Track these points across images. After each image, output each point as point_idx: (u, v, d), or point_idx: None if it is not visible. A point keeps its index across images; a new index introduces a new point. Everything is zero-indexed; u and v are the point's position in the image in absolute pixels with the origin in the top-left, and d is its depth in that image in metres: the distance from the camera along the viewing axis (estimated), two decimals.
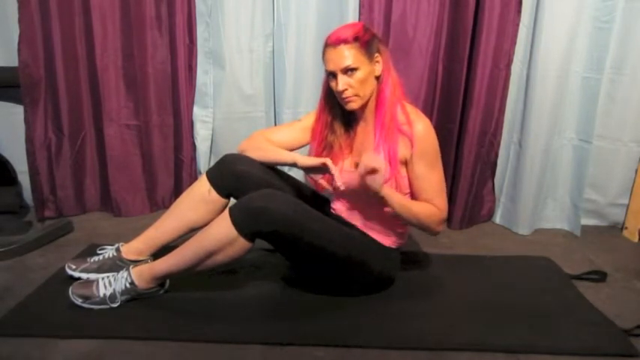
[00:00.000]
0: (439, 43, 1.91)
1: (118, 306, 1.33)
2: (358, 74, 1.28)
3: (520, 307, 1.42)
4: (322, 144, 1.42)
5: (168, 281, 1.40)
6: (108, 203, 2.07)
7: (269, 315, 1.34)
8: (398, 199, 1.28)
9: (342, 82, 1.28)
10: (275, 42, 1.95)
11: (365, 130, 1.39)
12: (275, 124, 2.04)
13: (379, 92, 1.33)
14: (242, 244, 1.24)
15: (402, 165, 1.34)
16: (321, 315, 1.34)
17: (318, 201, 1.53)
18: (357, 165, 1.31)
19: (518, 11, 1.84)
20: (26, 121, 1.88)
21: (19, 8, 1.78)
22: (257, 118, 2.03)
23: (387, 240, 1.43)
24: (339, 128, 1.42)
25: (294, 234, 1.24)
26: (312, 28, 1.92)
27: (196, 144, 2.04)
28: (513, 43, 1.87)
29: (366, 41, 1.28)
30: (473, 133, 1.93)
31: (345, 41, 1.27)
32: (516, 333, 1.29)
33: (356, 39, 1.27)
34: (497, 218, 2.10)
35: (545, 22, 1.79)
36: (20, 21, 1.79)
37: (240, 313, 1.34)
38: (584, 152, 1.94)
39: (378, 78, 1.34)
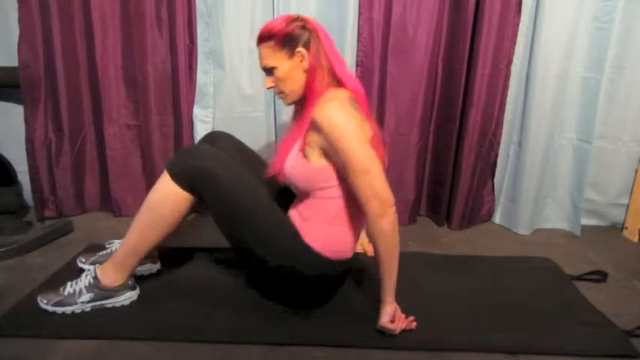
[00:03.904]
0: (439, 42, 1.91)
1: (117, 306, 1.34)
2: (277, 72, 1.24)
3: (520, 307, 1.42)
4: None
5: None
6: (108, 203, 2.07)
7: (269, 315, 1.34)
8: (390, 284, 1.27)
9: (266, 81, 1.28)
10: None
11: (299, 122, 1.28)
12: (275, 124, 2.04)
13: (308, 85, 1.24)
14: (182, 194, 1.24)
15: (314, 153, 1.22)
16: (321, 315, 1.34)
17: (285, 200, 1.41)
18: None
19: (518, 11, 1.84)
20: (26, 121, 1.88)
21: (19, 8, 1.78)
22: (257, 118, 2.03)
23: (315, 243, 1.27)
24: (294, 116, 1.39)
25: (218, 191, 1.22)
26: None
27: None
28: (513, 43, 1.87)
29: (283, 36, 1.22)
30: (473, 133, 1.93)
31: (261, 40, 1.24)
32: (516, 333, 1.29)
33: (270, 37, 1.22)
34: (497, 218, 2.10)
35: (545, 22, 1.79)
36: (20, 21, 1.79)
37: (240, 313, 1.34)
38: (584, 152, 1.94)
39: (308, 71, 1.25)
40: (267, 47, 1.23)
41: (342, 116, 1.16)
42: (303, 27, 1.23)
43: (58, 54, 1.88)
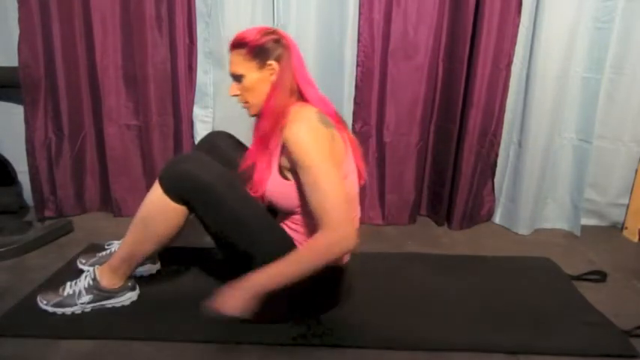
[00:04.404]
0: (439, 42, 1.91)
1: (117, 306, 1.34)
2: (244, 81, 1.22)
3: (520, 307, 1.42)
4: None
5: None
6: (108, 203, 2.07)
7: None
8: (268, 275, 1.12)
9: (231, 88, 1.26)
10: None
11: (266, 141, 1.25)
12: None
13: (266, 100, 1.22)
14: (174, 208, 1.21)
15: (289, 173, 1.21)
16: (321, 315, 1.33)
17: None
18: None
19: (518, 11, 1.84)
20: (26, 121, 1.88)
21: (19, 8, 1.78)
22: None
23: None
24: (255, 128, 1.34)
25: (210, 200, 1.19)
26: (312, 28, 1.92)
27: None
28: (513, 43, 1.87)
29: (256, 47, 1.20)
30: (473, 133, 1.93)
31: (233, 46, 1.22)
32: (516, 333, 1.29)
33: (242, 45, 1.21)
34: (497, 218, 2.10)
35: (545, 22, 1.79)
36: (20, 21, 1.79)
37: None
38: (584, 152, 1.94)
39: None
40: (239, 55, 1.22)
41: (309, 136, 1.13)
42: (277, 41, 1.22)
43: (58, 54, 1.88)
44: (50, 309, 1.31)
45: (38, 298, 1.32)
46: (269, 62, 1.20)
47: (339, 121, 1.28)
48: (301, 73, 1.24)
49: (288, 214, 1.27)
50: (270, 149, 1.23)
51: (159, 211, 1.23)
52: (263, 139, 1.23)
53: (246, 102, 1.26)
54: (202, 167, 1.21)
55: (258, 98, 1.24)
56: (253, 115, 1.29)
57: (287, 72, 1.21)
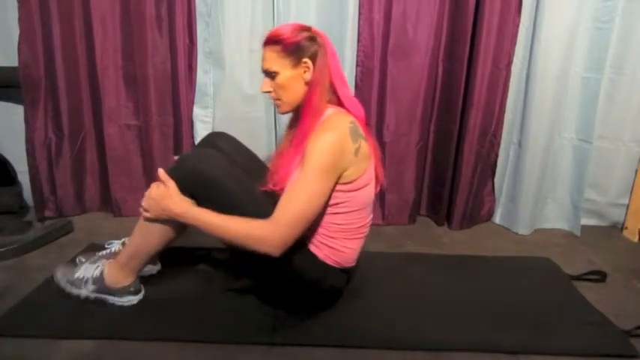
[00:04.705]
0: (439, 42, 1.91)
1: (117, 305, 1.34)
2: (278, 78, 1.22)
3: (520, 307, 1.42)
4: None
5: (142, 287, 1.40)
6: (108, 203, 2.07)
7: (269, 315, 1.33)
8: (197, 216, 1.19)
9: (263, 84, 1.25)
10: None
11: (297, 138, 1.26)
12: (275, 125, 2.04)
13: (307, 99, 1.22)
14: None
15: None
16: (321, 315, 1.34)
17: None
18: None
19: (518, 11, 1.84)
20: (26, 121, 1.88)
21: (19, 8, 1.78)
22: (257, 118, 2.03)
23: (318, 251, 1.26)
24: (290, 125, 1.37)
25: (214, 192, 1.21)
26: None
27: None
28: (513, 43, 1.87)
29: (291, 44, 1.20)
30: (473, 133, 1.93)
31: (268, 42, 1.22)
32: (516, 333, 1.29)
33: (278, 42, 1.20)
34: (497, 218, 2.10)
35: (545, 22, 1.79)
36: (20, 21, 1.79)
37: (240, 313, 1.34)
38: (584, 152, 1.94)
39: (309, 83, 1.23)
40: (273, 51, 1.21)
41: (328, 146, 1.14)
42: (313, 39, 1.22)
43: (58, 54, 1.88)
44: (62, 284, 1.37)
45: (56, 270, 1.39)
46: (304, 60, 1.20)
47: (365, 125, 1.28)
48: (336, 72, 1.25)
49: None
50: (295, 145, 1.23)
51: None
52: (301, 137, 1.21)
53: (279, 99, 1.26)
54: (209, 162, 1.24)
55: (290, 96, 1.24)
56: (284, 113, 1.29)
57: (323, 70, 1.21)
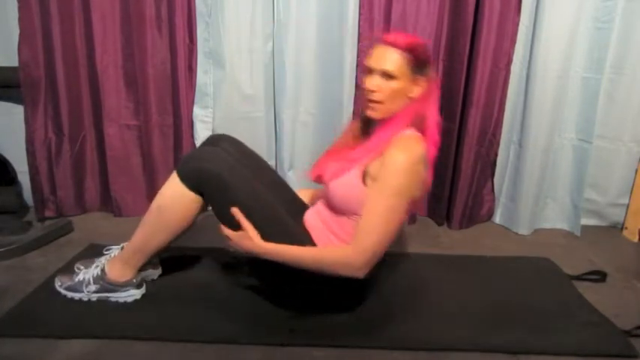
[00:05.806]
0: (439, 42, 1.91)
1: (120, 302, 1.35)
2: (393, 83, 1.20)
3: (520, 307, 1.42)
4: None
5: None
6: (108, 203, 2.07)
7: (269, 315, 1.34)
8: (282, 252, 1.21)
9: (375, 82, 1.21)
10: (275, 42, 1.95)
11: (366, 144, 1.27)
12: (275, 125, 2.04)
13: (400, 112, 1.23)
14: (189, 196, 1.26)
15: (370, 181, 1.22)
16: (321, 315, 1.34)
17: (292, 207, 1.42)
18: None
19: (518, 11, 1.84)
20: (26, 121, 1.88)
21: (19, 8, 1.78)
22: (257, 118, 2.03)
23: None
24: (360, 128, 1.36)
25: (224, 194, 1.23)
26: (312, 28, 1.92)
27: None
28: (513, 42, 1.87)
29: (418, 58, 1.21)
30: (473, 133, 1.93)
31: (399, 46, 1.20)
32: (516, 333, 1.29)
33: (409, 50, 1.20)
34: (497, 218, 2.10)
35: (545, 22, 1.79)
36: (20, 21, 1.79)
37: (239, 313, 1.34)
38: (584, 152, 1.94)
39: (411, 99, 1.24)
40: (403, 58, 1.20)
41: (407, 169, 1.16)
42: (430, 61, 1.25)
43: (58, 54, 1.88)
44: (62, 291, 1.37)
45: (56, 279, 1.39)
46: (421, 78, 1.22)
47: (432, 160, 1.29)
48: (435, 102, 1.27)
49: (334, 211, 1.29)
50: (368, 149, 1.23)
51: (175, 200, 1.28)
52: (373, 146, 1.22)
53: (381, 103, 1.22)
54: (217, 160, 1.26)
55: (394, 104, 1.23)
56: (377, 117, 1.25)
57: (428, 95, 1.25)
